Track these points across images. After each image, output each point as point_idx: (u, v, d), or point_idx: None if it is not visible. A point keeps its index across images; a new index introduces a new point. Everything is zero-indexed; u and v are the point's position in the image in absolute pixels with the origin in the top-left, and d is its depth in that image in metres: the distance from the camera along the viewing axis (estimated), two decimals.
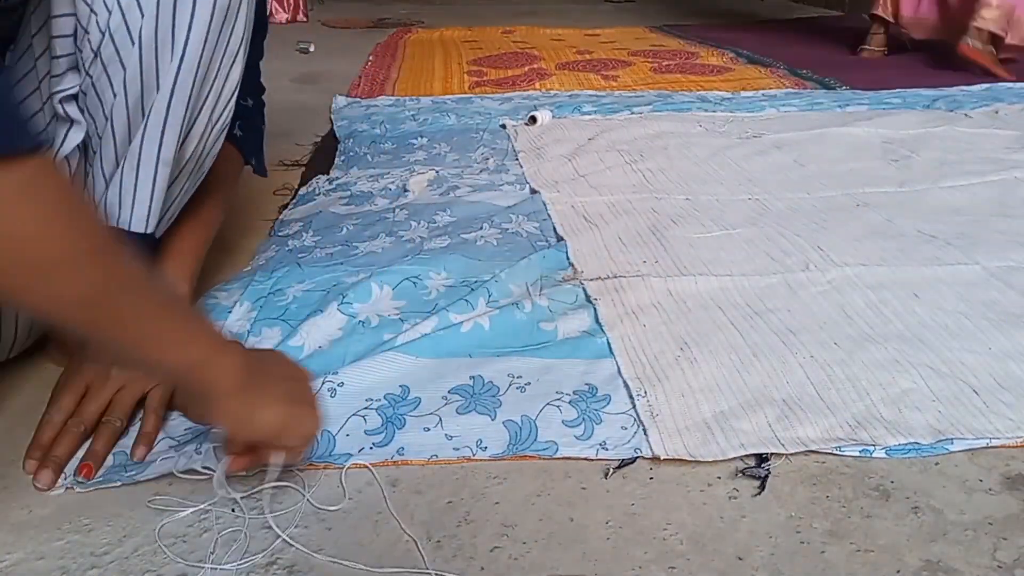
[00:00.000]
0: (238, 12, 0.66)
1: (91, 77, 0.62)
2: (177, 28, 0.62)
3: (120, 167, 0.65)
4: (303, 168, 1.42)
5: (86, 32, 0.61)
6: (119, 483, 0.62)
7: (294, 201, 1.23)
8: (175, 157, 0.66)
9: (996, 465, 0.64)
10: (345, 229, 1.09)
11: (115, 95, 0.62)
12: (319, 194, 1.25)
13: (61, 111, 0.63)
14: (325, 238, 1.06)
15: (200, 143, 0.70)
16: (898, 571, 0.54)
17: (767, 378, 0.74)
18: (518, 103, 1.84)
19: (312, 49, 2.63)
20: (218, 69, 0.67)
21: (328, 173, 1.36)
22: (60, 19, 0.61)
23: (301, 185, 1.30)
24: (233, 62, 0.68)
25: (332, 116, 1.76)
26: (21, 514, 0.59)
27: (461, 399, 0.71)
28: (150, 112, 0.64)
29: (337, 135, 1.62)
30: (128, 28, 0.60)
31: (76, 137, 0.64)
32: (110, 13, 0.60)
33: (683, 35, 2.90)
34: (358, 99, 1.91)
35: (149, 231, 0.68)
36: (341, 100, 1.89)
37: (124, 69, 0.61)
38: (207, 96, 0.67)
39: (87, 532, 0.58)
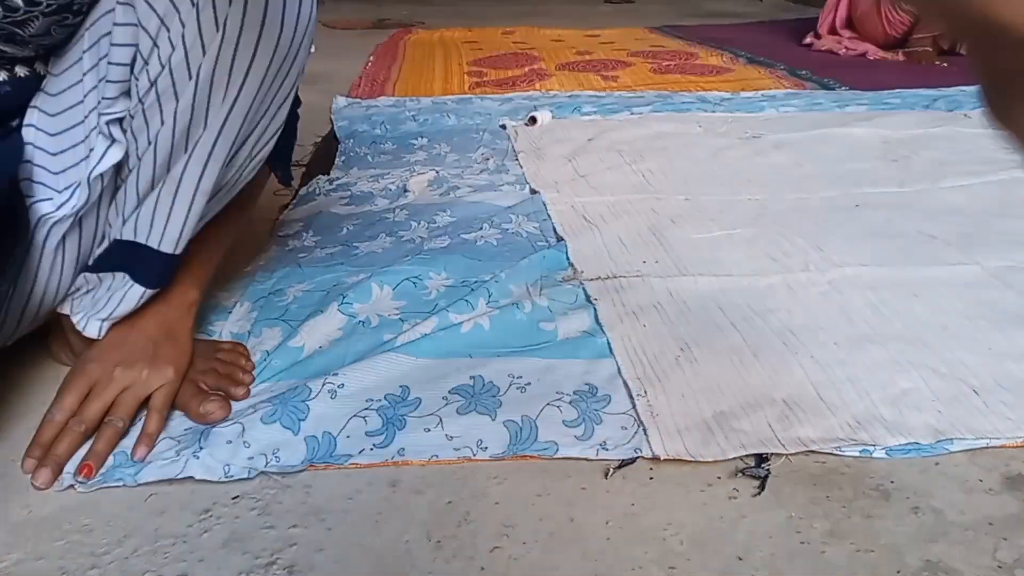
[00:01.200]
0: (295, 59, 0.67)
1: (143, 104, 0.62)
2: (235, 71, 0.62)
3: (158, 189, 0.65)
4: (303, 168, 1.42)
5: (145, 63, 0.61)
6: (119, 483, 0.62)
7: (294, 201, 1.23)
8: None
9: (996, 465, 0.64)
10: (345, 229, 1.09)
11: (163, 123, 0.63)
12: (319, 194, 1.25)
13: (105, 131, 0.63)
14: (325, 238, 1.06)
15: (237, 172, 0.71)
16: (898, 571, 0.54)
17: (767, 378, 0.74)
18: (518, 103, 1.84)
19: (312, 50, 2.63)
20: (267, 110, 0.68)
21: (328, 173, 1.36)
22: (119, 48, 0.61)
23: (301, 185, 1.30)
24: (282, 105, 0.69)
25: (332, 116, 1.76)
26: (21, 514, 0.59)
27: (461, 399, 0.71)
28: (195, 146, 0.64)
29: (337, 135, 1.62)
30: (188, 64, 0.61)
31: (115, 156, 0.64)
32: (173, 49, 0.60)
33: (683, 36, 2.90)
34: (358, 99, 1.91)
35: (177, 253, 0.68)
36: (341, 100, 1.89)
37: (177, 100, 0.62)
38: (252, 132, 0.68)
39: (87, 532, 0.58)
